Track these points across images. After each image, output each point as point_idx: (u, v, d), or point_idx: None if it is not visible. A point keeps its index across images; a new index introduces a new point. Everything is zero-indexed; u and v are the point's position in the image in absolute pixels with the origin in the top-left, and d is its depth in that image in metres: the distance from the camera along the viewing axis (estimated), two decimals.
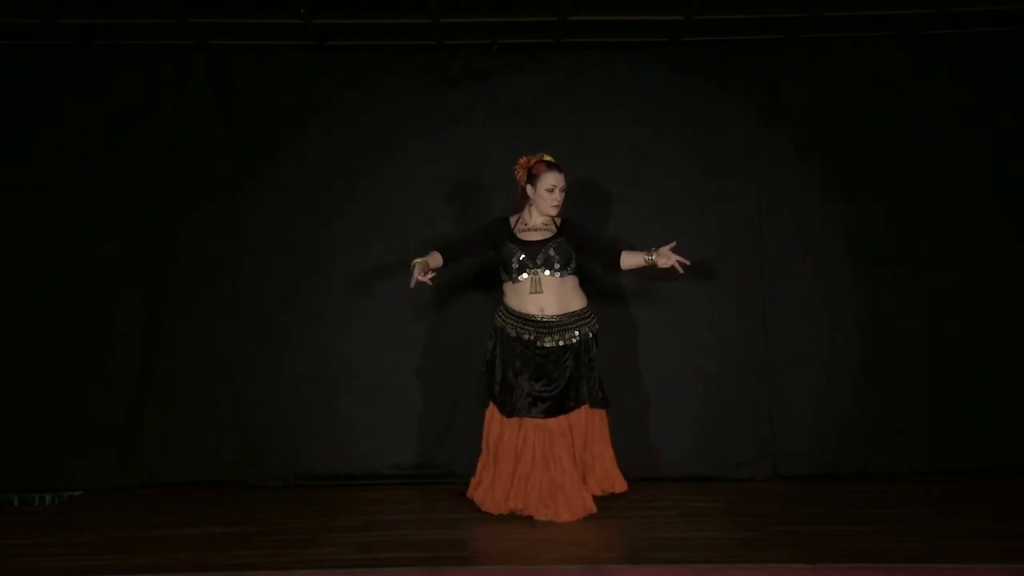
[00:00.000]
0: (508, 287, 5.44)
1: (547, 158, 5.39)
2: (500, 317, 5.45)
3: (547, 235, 5.40)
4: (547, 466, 5.25)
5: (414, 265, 5.27)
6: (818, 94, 6.33)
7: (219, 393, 6.21)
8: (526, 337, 5.34)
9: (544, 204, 5.37)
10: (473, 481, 5.51)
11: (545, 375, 5.32)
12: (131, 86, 6.26)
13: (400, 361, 6.24)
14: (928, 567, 4.23)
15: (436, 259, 5.43)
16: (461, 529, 5.06)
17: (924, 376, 6.24)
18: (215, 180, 6.27)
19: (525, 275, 5.35)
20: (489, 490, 5.34)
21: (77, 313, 6.18)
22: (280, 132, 6.30)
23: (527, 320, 5.35)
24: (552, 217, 5.45)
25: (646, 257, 5.37)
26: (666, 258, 5.31)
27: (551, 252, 5.36)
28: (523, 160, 5.44)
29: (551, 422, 5.30)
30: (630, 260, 5.45)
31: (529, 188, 5.39)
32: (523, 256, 5.36)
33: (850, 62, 6.34)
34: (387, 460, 6.24)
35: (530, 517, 5.23)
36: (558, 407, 5.32)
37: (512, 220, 5.49)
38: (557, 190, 5.35)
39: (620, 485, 5.47)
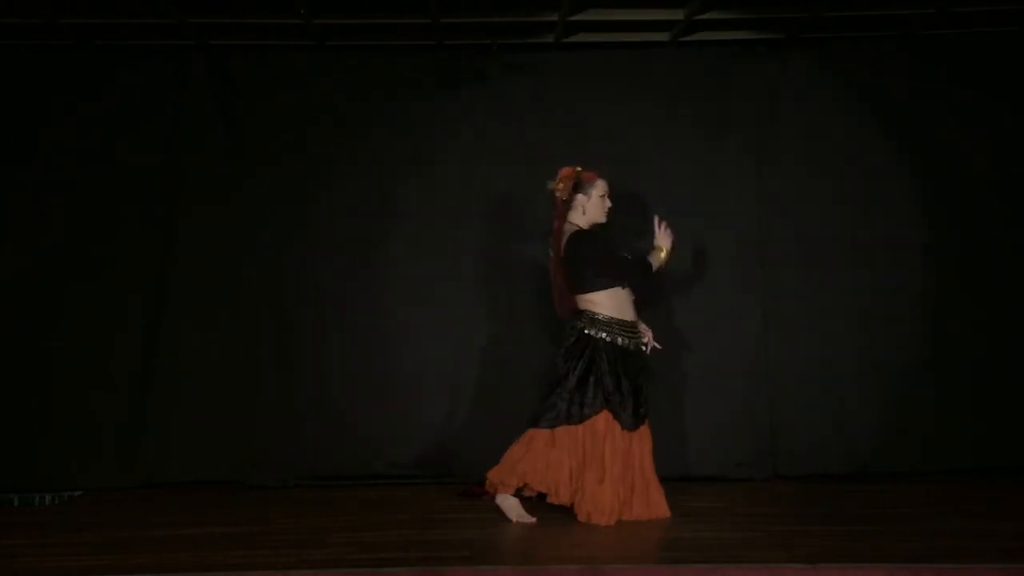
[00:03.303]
0: (607, 295, 5.21)
1: (583, 171, 5.29)
2: (597, 328, 5.19)
3: None
4: (648, 470, 5.26)
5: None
6: (818, 94, 6.33)
7: (219, 393, 6.21)
8: (633, 344, 5.25)
9: (598, 211, 5.28)
10: (587, 502, 5.12)
11: (638, 376, 5.27)
12: (131, 86, 6.27)
13: (400, 361, 6.24)
14: (928, 567, 4.22)
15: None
16: (461, 529, 5.06)
17: (924, 376, 6.24)
18: (215, 180, 6.27)
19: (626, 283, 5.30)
20: (613, 503, 5.12)
21: (77, 313, 6.18)
22: (280, 132, 6.30)
23: (628, 326, 5.25)
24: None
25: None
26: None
27: None
28: (566, 171, 5.26)
29: (645, 424, 5.27)
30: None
31: (581, 198, 5.24)
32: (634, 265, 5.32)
33: (850, 62, 6.34)
34: (387, 460, 6.24)
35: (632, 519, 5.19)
36: (648, 407, 5.30)
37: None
38: (607, 195, 5.31)
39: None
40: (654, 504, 5.26)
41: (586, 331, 5.21)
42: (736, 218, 6.30)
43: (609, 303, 5.23)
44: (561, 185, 5.25)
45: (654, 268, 5.28)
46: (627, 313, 5.27)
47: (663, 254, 5.29)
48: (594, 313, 5.22)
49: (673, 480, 5.98)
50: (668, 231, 5.32)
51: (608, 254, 5.25)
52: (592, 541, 4.84)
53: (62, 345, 6.16)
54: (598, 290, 5.23)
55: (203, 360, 6.22)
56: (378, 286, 6.27)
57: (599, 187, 5.28)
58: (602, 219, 5.32)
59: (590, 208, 5.27)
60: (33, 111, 6.26)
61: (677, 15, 5.99)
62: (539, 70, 6.35)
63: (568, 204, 5.27)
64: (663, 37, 6.31)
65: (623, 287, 5.26)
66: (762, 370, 6.25)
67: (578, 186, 5.26)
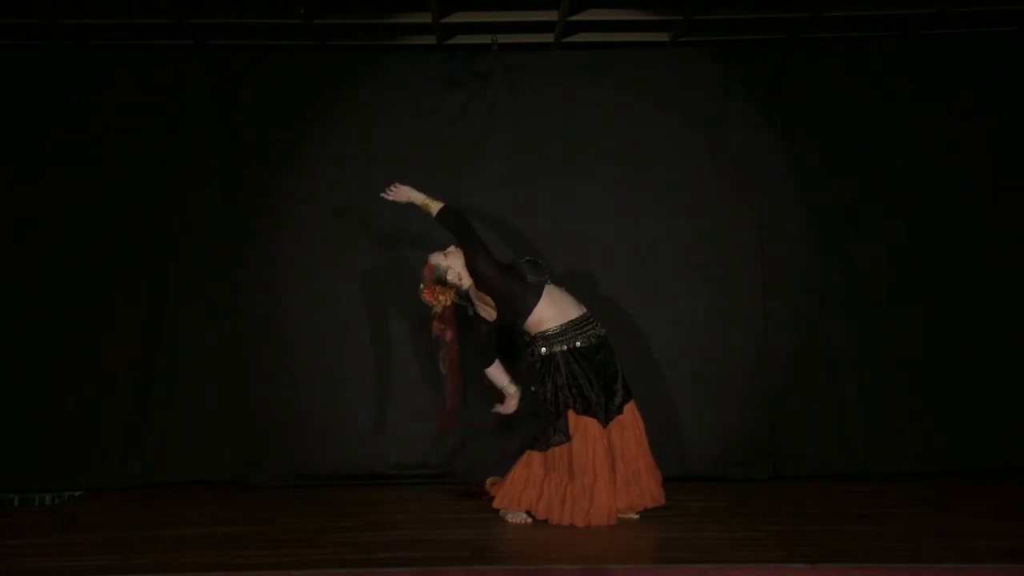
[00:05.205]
0: (545, 305, 5.22)
1: (425, 276, 5.37)
2: (552, 344, 5.20)
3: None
4: (637, 458, 5.27)
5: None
6: (818, 94, 6.33)
7: (219, 393, 6.21)
8: (593, 342, 5.25)
9: (459, 262, 5.32)
10: (582, 509, 5.11)
11: (607, 367, 5.28)
12: (131, 86, 6.27)
13: (400, 361, 6.24)
14: (928, 567, 4.22)
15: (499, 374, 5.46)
16: (461, 529, 5.06)
17: (924, 376, 6.24)
18: (215, 180, 6.27)
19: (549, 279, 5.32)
20: (609, 500, 5.14)
21: (77, 313, 6.18)
22: (280, 132, 6.30)
23: (579, 323, 5.26)
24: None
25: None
26: None
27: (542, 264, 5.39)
28: (427, 293, 5.32)
29: (625, 413, 5.27)
30: None
31: (450, 277, 5.30)
32: (540, 261, 5.33)
33: (850, 62, 6.34)
34: (387, 460, 6.24)
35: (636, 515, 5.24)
36: (627, 392, 5.31)
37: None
38: (443, 253, 5.36)
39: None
40: (645, 492, 5.26)
41: (544, 351, 5.23)
42: (736, 217, 6.30)
43: (552, 311, 5.23)
44: (442, 296, 5.33)
45: (445, 209, 5.31)
46: (572, 311, 5.27)
47: (421, 199, 5.34)
48: (544, 331, 5.24)
49: (673, 480, 5.99)
50: (394, 191, 5.41)
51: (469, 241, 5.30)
52: (592, 541, 4.84)
53: (62, 345, 6.17)
54: (536, 304, 5.22)
55: (203, 360, 6.22)
56: (378, 286, 6.27)
57: (435, 260, 5.33)
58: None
59: (457, 268, 5.30)
60: (33, 111, 6.25)
61: (677, 15, 5.99)
62: (539, 70, 6.35)
63: (451, 295, 5.33)
64: (663, 37, 6.31)
65: (548, 283, 5.27)
66: (762, 370, 6.25)
67: (441, 280, 5.32)
